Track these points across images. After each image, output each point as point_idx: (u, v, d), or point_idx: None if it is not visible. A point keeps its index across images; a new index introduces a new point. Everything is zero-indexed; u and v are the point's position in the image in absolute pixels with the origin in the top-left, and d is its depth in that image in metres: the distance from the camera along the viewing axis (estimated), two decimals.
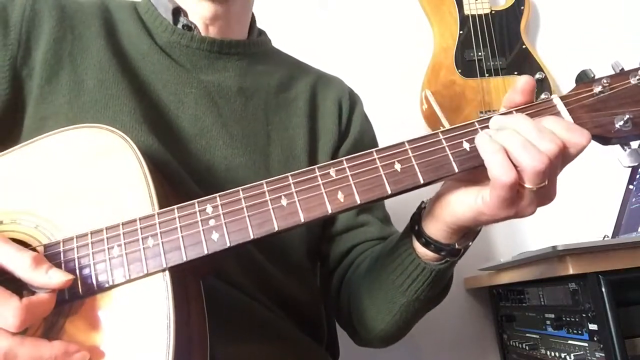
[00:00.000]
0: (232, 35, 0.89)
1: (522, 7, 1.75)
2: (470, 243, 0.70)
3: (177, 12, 0.86)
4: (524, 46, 1.71)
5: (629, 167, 0.65)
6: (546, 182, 0.58)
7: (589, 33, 1.82)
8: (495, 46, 1.70)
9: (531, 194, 0.59)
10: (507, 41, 1.72)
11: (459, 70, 1.69)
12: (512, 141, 0.58)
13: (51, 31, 0.78)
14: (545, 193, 0.60)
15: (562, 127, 0.60)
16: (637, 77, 0.64)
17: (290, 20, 1.68)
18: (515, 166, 0.57)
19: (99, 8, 0.85)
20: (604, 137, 0.64)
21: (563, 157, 0.59)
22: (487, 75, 1.68)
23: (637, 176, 1.40)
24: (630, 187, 1.41)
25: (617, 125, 0.63)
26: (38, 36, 0.78)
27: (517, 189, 0.58)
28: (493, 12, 1.74)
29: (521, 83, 0.64)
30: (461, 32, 1.72)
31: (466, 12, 1.73)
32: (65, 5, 0.82)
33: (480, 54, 1.69)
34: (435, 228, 0.68)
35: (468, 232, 0.69)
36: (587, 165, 1.64)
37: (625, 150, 0.65)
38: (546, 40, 1.85)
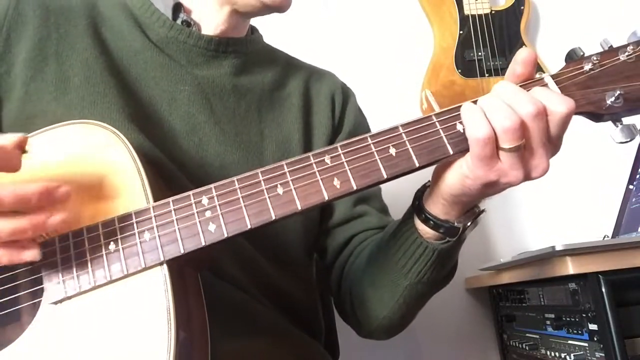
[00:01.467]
0: (234, 34, 0.89)
1: (522, 7, 1.75)
2: (469, 223, 0.70)
3: (178, 7, 0.86)
4: (524, 46, 1.71)
5: (621, 142, 0.66)
6: (522, 142, 0.59)
7: (589, 33, 1.82)
8: (495, 46, 1.70)
9: (509, 155, 0.60)
10: (507, 41, 1.72)
11: (459, 70, 1.69)
12: (489, 102, 0.61)
13: (35, 31, 0.78)
14: (528, 159, 0.61)
15: (545, 93, 0.61)
16: (626, 54, 0.65)
17: (292, 19, 1.68)
18: (493, 127, 0.59)
19: (86, 6, 0.84)
20: (595, 114, 0.65)
21: (547, 125, 0.60)
22: (487, 75, 1.68)
23: (637, 176, 1.40)
24: (630, 187, 1.41)
25: (608, 102, 0.64)
26: (20, 35, 0.77)
27: (492, 147, 0.59)
28: (493, 12, 1.74)
29: (522, 54, 0.65)
30: (461, 32, 1.72)
31: (466, 12, 1.73)
32: (49, 4, 0.81)
33: (480, 54, 1.69)
34: (433, 203, 0.69)
35: (464, 207, 0.69)
36: (587, 165, 1.65)
37: (617, 127, 0.66)
38: (546, 40, 1.85)
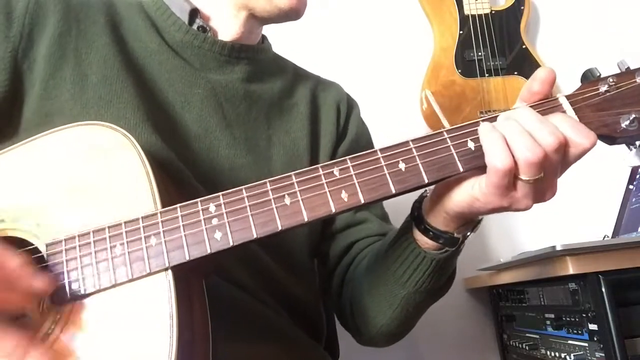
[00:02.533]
0: (248, 41, 0.90)
1: (522, 7, 1.75)
2: (469, 233, 0.70)
3: (194, 13, 0.87)
4: (524, 46, 1.72)
5: (635, 166, 0.65)
6: (541, 175, 0.58)
7: (589, 33, 1.82)
8: (495, 46, 1.70)
9: (526, 186, 0.59)
10: (507, 41, 1.72)
11: (459, 70, 1.69)
12: (511, 130, 0.59)
13: (56, 25, 0.78)
14: (541, 188, 0.61)
15: (567, 124, 0.60)
16: None
17: None
18: (514, 157, 0.58)
19: (105, 4, 0.85)
20: (610, 137, 0.64)
21: (564, 155, 0.60)
22: (487, 75, 1.68)
23: (637, 176, 1.40)
24: (630, 187, 1.42)
25: (623, 125, 0.62)
26: (42, 30, 0.77)
27: (511, 177, 0.58)
28: (493, 12, 1.74)
29: (542, 74, 0.63)
30: (461, 32, 1.72)
31: (466, 12, 1.73)
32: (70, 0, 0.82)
33: (480, 54, 1.70)
34: (434, 214, 0.69)
35: (466, 221, 0.69)
36: (587, 165, 1.65)
37: (631, 150, 0.65)
38: (546, 40, 1.85)
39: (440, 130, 0.63)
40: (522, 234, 1.70)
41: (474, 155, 0.61)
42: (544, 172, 0.58)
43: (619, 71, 0.66)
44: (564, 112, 0.63)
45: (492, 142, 0.59)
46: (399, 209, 0.81)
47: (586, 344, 1.05)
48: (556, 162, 0.59)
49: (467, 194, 0.63)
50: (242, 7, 0.87)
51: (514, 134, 0.59)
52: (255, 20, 0.89)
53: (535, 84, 0.64)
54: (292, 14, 0.87)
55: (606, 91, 0.64)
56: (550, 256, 1.04)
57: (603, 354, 0.99)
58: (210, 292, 0.64)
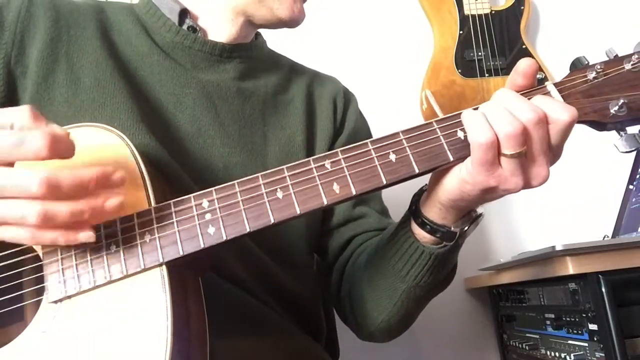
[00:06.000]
0: (241, 40, 0.90)
1: (522, 7, 1.75)
2: (466, 228, 0.70)
3: (184, 13, 0.87)
4: (524, 46, 1.72)
5: (626, 152, 0.65)
6: (524, 149, 0.59)
7: (589, 33, 1.82)
8: (495, 46, 1.71)
9: (510, 161, 0.60)
10: (507, 41, 1.72)
11: (459, 70, 1.69)
12: (491, 108, 0.61)
13: (47, 31, 0.79)
14: (528, 166, 0.61)
15: (546, 101, 0.61)
16: (631, 63, 0.64)
17: None
18: (495, 132, 0.59)
19: (94, 10, 0.86)
20: (599, 123, 0.64)
21: (548, 134, 0.60)
22: (487, 75, 1.68)
23: (637, 176, 1.40)
24: (630, 187, 1.41)
25: (612, 111, 0.63)
26: (33, 36, 0.78)
27: (494, 152, 0.59)
28: (493, 12, 1.74)
29: (523, 65, 0.64)
30: (461, 32, 1.72)
31: (466, 12, 1.74)
32: (60, 6, 0.83)
33: (480, 54, 1.70)
34: (430, 207, 0.69)
35: (461, 212, 0.69)
36: (587, 165, 1.65)
37: (622, 136, 0.65)
38: (546, 40, 1.85)
39: (429, 121, 0.64)
40: (522, 234, 1.70)
41: (463, 144, 0.62)
42: (528, 148, 0.59)
43: (607, 58, 0.66)
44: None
45: (473, 120, 0.60)
46: (399, 202, 0.81)
47: (586, 344, 1.05)
48: (539, 138, 0.60)
49: (456, 178, 0.63)
50: (240, 13, 0.87)
51: (494, 110, 0.60)
52: (252, 25, 0.89)
53: (518, 77, 0.65)
54: (292, 23, 0.88)
55: (594, 78, 0.64)
56: (550, 256, 1.04)
57: (603, 354, 0.99)
58: (206, 288, 0.64)
